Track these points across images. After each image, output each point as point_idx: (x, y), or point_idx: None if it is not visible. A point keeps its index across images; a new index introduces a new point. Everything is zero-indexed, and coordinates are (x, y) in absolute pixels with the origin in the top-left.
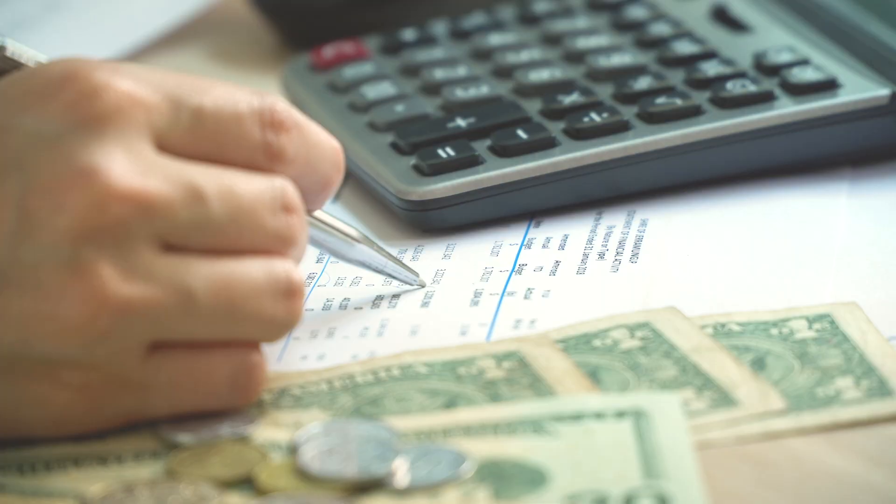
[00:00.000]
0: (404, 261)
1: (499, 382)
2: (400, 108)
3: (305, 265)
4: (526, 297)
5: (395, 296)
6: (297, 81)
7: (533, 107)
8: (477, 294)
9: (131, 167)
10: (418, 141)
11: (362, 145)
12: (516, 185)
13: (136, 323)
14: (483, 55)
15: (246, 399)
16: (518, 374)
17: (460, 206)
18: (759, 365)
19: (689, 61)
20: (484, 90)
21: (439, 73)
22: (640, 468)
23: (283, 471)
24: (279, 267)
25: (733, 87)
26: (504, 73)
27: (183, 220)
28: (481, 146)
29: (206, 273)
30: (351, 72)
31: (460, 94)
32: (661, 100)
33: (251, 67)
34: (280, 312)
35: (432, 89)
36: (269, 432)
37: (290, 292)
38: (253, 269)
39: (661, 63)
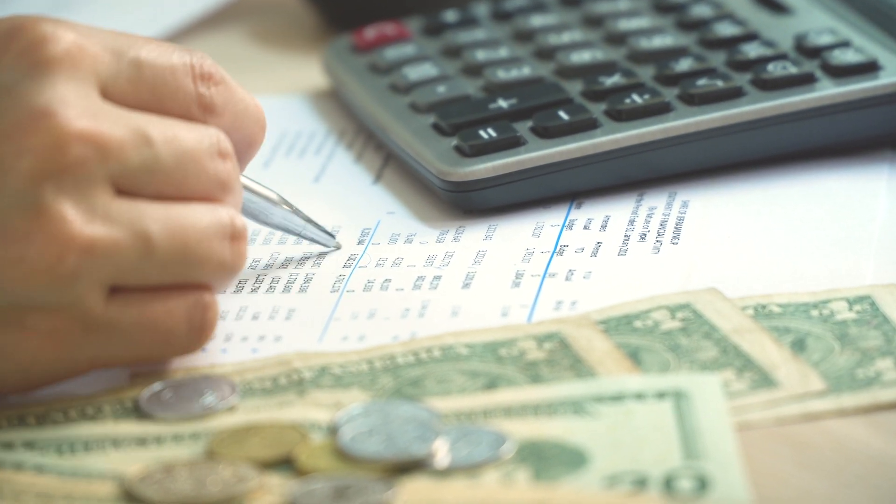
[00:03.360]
0: (446, 242)
1: (539, 363)
2: (441, 89)
3: (347, 247)
4: (567, 279)
5: (437, 277)
6: (339, 62)
7: (574, 88)
8: (518, 275)
9: (83, 110)
10: (460, 122)
11: (404, 126)
12: (557, 166)
13: (100, 264)
14: (525, 36)
15: (202, 340)
16: (559, 356)
17: (502, 187)
18: (799, 346)
19: (730, 43)
20: (525, 71)
21: (481, 55)
22: (680, 449)
23: (323, 451)
24: (223, 212)
25: (774, 69)
26: (546, 54)
27: (134, 162)
28: (523, 127)
29: (161, 216)
30: (392, 53)
31: (502, 75)
32: (702, 81)
33: (292, 49)
34: (228, 255)
35: (474, 70)
36: (309, 412)
37: (236, 236)
38: (200, 213)
39: (703, 45)
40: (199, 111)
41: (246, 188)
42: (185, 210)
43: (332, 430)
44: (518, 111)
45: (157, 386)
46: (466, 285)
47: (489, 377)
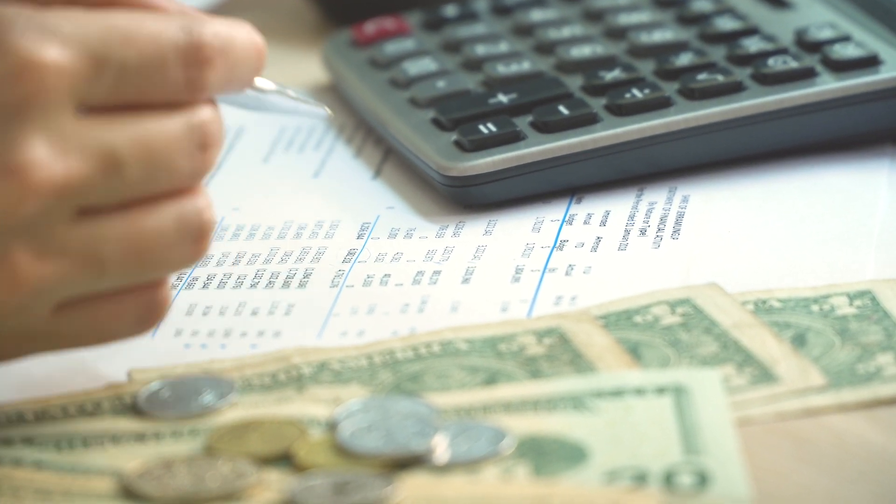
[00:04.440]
0: (445, 237)
1: (539, 359)
2: (441, 83)
3: (345, 241)
4: (567, 274)
5: (437, 272)
6: (339, 57)
7: (574, 83)
8: (518, 270)
9: (51, 150)
10: (460, 117)
11: (403, 121)
12: (558, 160)
13: (46, 294)
14: (525, 31)
15: (148, 331)
16: (559, 351)
17: (501, 181)
18: (799, 341)
19: (730, 37)
20: (525, 66)
21: (481, 49)
22: (680, 444)
23: (322, 447)
24: (190, 209)
25: (775, 64)
26: (546, 49)
27: (99, 190)
28: (523, 122)
29: (117, 235)
30: (392, 48)
31: (502, 69)
32: (702, 76)
33: (292, 43)
34: (187, 255)
35: (474, 65)
36: (308, 408)
37: (201, 234)
38: (163, 219)
39: (703, 39)
40: (187, 94)
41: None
42: (146, 219)
43: (332, 426)
44: (518, 106)
45: (155, 385)
46: (466, 280)
47: (489, 372)
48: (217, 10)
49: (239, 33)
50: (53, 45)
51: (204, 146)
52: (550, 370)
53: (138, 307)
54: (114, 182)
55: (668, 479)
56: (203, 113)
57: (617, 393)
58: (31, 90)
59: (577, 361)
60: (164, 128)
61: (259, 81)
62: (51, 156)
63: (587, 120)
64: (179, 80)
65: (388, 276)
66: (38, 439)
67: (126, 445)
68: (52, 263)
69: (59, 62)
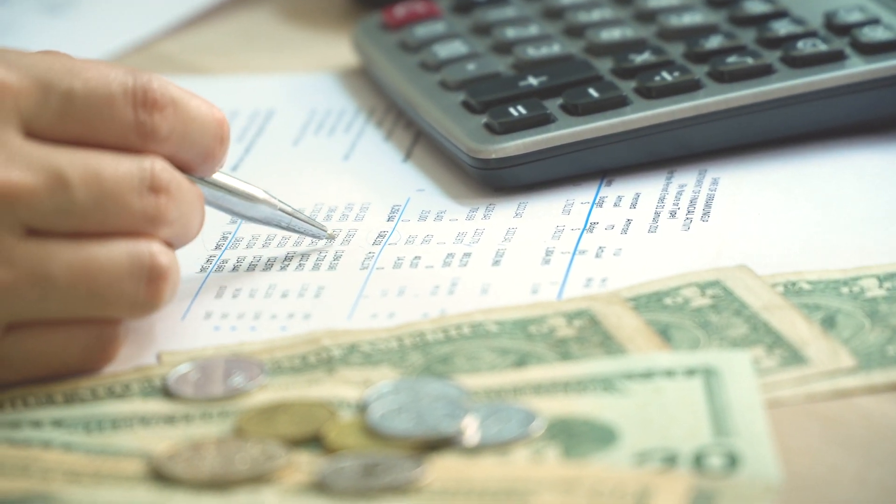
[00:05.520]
0: (476, 219)
1: (569, 341)
2: (471, 66)
3: (375, 224)
4: (597, 256)
5: (467, 254)
6: (369, 40)
7: (604, 65)
8: (548, 252)
9: None
10: (490, 99)
11: (434, 104)
12: (588, 143)
13: None
14: (554, 14)
15: (97, 368)
16: (589, 333)
17: (532, 164)
18: (829, 323)
19: (760, 20)
20: (555, 49)
21: (511, 32)
22: (710, 426)
23: (352, 429)
24: (143, 250)
25: (804, 47)
26: (575, 31)
27: (46, 206)
28: (553, 105)
29: (66, 258)
30: (422, 31)
31: (532, 52)
32: (732, 59)
33: (322, 27)
34: (141, 296)
35: (504, 48)
36: (338, 390)
37: (154, 276)
38: (115, 253)
39: (733, 22)
40: (137, 139)
41: (221, 186)
42: (96, 250)
43: (362, 408)
44: (548, 89)
45: (185, 367)
46: (496, 262)
47: (519, 354)
48: None
49: (195, 98)
50: None
51: (156, 189)
52: (580, 352)
53: (88, 340)
54: (61, 201)
55: (698, 461)
56: (155, 161)
57: (647, 375)
58: None
59: (607, 343)
60: (114, 162)
61: (253, 191)
62: None
63: (617, 103)
64: (129, 121)
65: (419, 258)
66: (68, 421)
67: (155, 427)
68: None
69: (1, 79)
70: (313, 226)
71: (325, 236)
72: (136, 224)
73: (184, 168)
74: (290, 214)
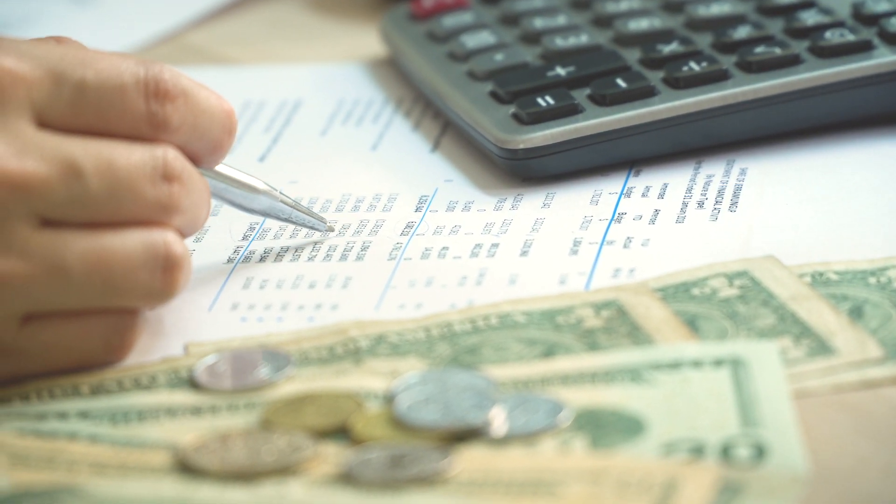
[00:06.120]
0: (503, 210)
1: (597, 331)
2: (499, 56)
3: (403, 214)
4: (625, 246)
5: (495, 244)
6: (397, 31)
7: (632, 56)
8: (576, 243)
9: (7, 148)
10: (518, 90)
11: (462, 94)
12: (615, 133)
13: (9, 296)
14: (583, 4)
15: (118, 358)
16: (616, 323)
17: (560, 154)
18: (856, 313)
19: (787, 10)
20: (583, 39)
21: (539, 22)
22: (738, 416)
23: (379, 420)
24: (158, 239)
25: (832, 37)
26: (603, 22)
27: (60, 196)
28: (580, 95)
29: (82, 247)
30: (450, 21)
31: (560, 42)
32: (759, 49)
33: (350, 17)
34: (157, 285)
35: (532, 38)
36: (365, 381)
37: (169, 265)
38: (130, 242)
39: (760, 12)
40: (149, 130)
41: (224, 177)
42: (111, 239)
43: (389, 399)
44: (576, 79)
45: (211, 358)
46: (524, 253)
47: (546, 345)
48: None
49: (204, 89)
50: (9, 56)
51: (168, 178)
52: (608, 343)
53: (106, 331)
54: (75, 191)
55: (726, 452)
56: (168, 149)
57: (674, 365)
58: None
59: (635, 334)
60: (127, 151)
61: (255, 182)
62: (6, 153)
63: (645, 93)
64: (140, 111)
65: (446, 248)
66: (94, 413)
67: (182, 419)
68: (15, 263)
69: (14, 69)
70: (313, 217)
71: (324, 228)
72: (149, 213)
73: (191, 159)
74: (290, 206)
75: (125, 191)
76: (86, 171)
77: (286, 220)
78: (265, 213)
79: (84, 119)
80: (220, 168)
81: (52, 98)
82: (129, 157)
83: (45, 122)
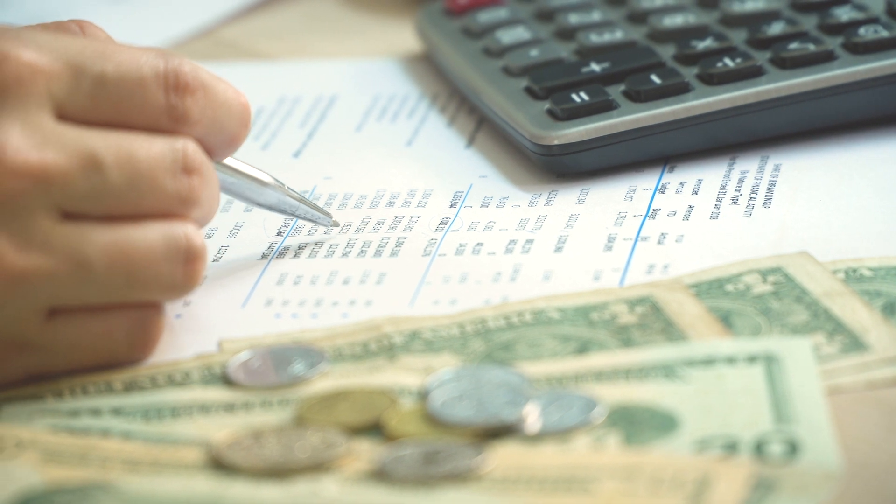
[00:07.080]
0: (538, 206)
1: (631, 327)
2: (534, 52)
3: (438, 210)
4: (659, 242)
5: (529, 241)
6: (432, 26)
7: (667, 52)
8: (610, 239)
9: (28, 140)
10: (552, 85)
11: (496, 90)
12: (650, 129)
13: (32, 291)
14: (617, 0)
15: (144, 354)
16: (650, 319)
17: (594, 150)
18: (890, 310)
19: (822, 7)
20: (618, 35)
21: (574, 18)
22: (771, 413)
23: (413, 416)
24: (179, 231)
25: (866, 33)
26: (638, 18)
27: (80, 189)
28: (615, 91)
29: (103, 241)
30: (486, 17)
31: (595, 38)
32: (794, 45)
33: (385, 12)
34: (178, 277)
35: (567, 34)
36: (399, 377)
37: (190, 257)
38: (151, 235)
39: (795, 8)
40: (169, 122)
41: (234, 170)
42: (132, 232)
43: (423, 395)
44: (610, 75)
45: (245, 355)
46: (558, 249)
47: (580, 341)
48: None
49: (222, 83)
50: (29, 49)
51: (188, 170)
52: (642, 339)
53: (130, 327)
54: (95, 183)
55: (759, 448)
56: (187, 142)
57: (708, 361)
58: (6, 79)
59: (669, 330)
60: (147, 143)
61: (263, 176)
62: (26, 145)
63: (679, 89)
64: (160, 104)
65: (481, 244)
66: (127, 410)
67: (215, 416)
68: (37, 257)
69: (34, 62)
70: (319, 212)
71: (329, 224)
72: (169, 205)
73: (207, 151)
74: (297, 200)
75: (145, 183)
76: (106, 164)
77: (293, 214)
78: (272, 207)
79: (104, 112)
80: (229, 161)
81: (71, 91)
82: (150, 149)
83: (65, 115)
